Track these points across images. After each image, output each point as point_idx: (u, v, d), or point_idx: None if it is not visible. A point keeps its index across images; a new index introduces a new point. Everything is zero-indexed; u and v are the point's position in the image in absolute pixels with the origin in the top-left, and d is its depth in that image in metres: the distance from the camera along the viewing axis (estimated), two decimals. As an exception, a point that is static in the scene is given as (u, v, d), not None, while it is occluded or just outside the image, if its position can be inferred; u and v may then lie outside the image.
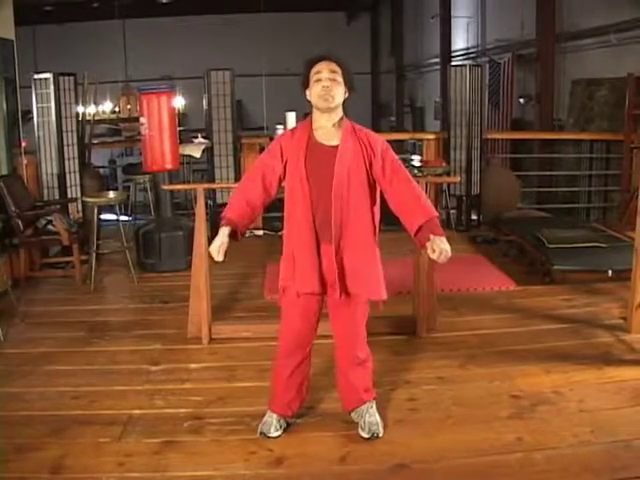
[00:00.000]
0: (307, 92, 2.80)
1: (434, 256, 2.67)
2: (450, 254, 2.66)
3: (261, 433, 2.97)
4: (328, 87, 2.71)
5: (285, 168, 2.80)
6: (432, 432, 3.01)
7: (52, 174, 6.02)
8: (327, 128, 2.78)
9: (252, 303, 4.89)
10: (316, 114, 2.79)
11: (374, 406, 3.03)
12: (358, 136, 2.78)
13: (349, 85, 2.79)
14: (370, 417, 2.98)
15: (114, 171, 14.47)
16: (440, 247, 2.66)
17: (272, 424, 2.98)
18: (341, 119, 2.80)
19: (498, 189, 7.28)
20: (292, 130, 2.90)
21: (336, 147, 2.74)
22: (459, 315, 4.56)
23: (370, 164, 2.76)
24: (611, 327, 4.23)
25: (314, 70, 2.76)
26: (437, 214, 2.79)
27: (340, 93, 2.74)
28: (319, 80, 2.73)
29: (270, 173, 2.81)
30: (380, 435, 2.95)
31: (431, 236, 2.69)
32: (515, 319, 4.47)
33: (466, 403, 3.29)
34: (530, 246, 5.59)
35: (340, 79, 2.74)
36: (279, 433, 2.98)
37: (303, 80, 2.80)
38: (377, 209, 2.86)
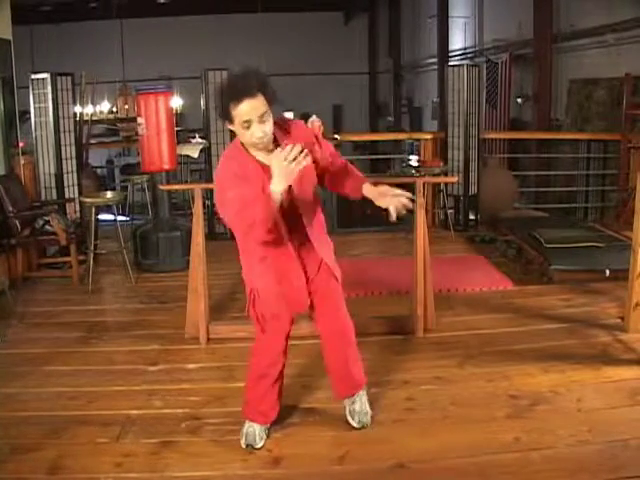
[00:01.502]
0: (230, 126, 2.54)
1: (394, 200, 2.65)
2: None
3: (248, 445, 2.92)
4: (264, 135, 2.49)
5: None
6: (430, 432, 3.01)
7: (50, 174, 6.01)
8: (265, 149, 2.59)
9: (250, 303, 4.88)
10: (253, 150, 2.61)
11: (365, 393, 3.07)
12: (293, 136, 2.62)
13: (273, 101, 2.53)
14: (361, 406, 3.02)
15: (112, 171, 14.48)
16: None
17: (256, 434, 2.93)
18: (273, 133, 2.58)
19: (496, 189, 7.29)
20: (232, 164, 2.60)
21: None
22: (457, 315, 4.55)
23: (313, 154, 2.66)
24: (609, 327, 4.23)
25: (239, 112, 2.45)
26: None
27: (271, 124, 2.52)
28: (249, 127, 2.48)
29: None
30: (369, 424, 2.99)
31: (385, 188, 2.69)
32: (513, 319, 4.47)
33: (464, 403, 3.29)
34: (528, 246, 5.60)
35: (268, 111, 2.48)
36: (264, 442, 2.95)
37: (224, 114, 2.50)
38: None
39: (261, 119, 2.47)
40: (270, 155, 2.51)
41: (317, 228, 2.81)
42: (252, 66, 2.56)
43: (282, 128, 2.66)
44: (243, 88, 2.45)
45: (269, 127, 2.51)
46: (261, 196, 2.43)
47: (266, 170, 2.53)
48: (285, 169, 2.37)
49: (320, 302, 2.90)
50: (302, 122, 2.81)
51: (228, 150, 2.72)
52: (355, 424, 3.01)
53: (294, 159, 2.36)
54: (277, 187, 2.40)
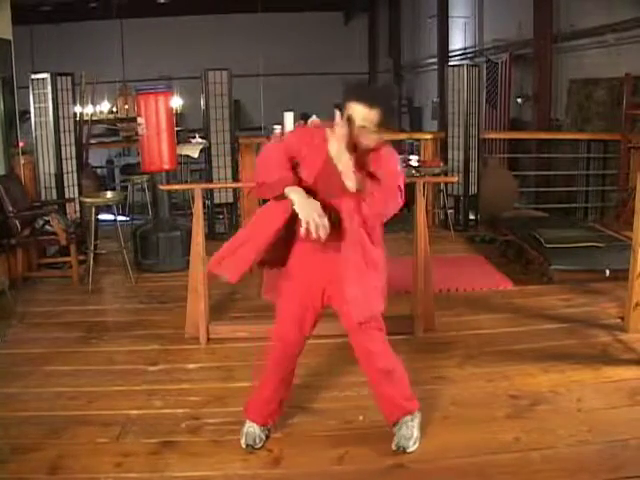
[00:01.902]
0: (338, 112, 2.62)
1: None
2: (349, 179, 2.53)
3: (247, 445, 2.89)
4: (341, 135, 2.56)
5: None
6: (430, 432, 3.00)
7: (50, 174, 6.01)
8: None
9: (249, 303, 4.89)
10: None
11: (415, 419, 2.88)
12: (375, 165, 2.63)
13: (381, 125, 2.60)
14: (406, 430, 2.85)
15: (112, 171, 14.48)
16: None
17: (256, 435, 2.92)
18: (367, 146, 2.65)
19: (496, 189, 7.29)
20: (308, 131, 2.79)
21: None
22: (457, 315, 4.56)
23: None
24: (609, 327, 4.24)
25: (351, 107, 2.57)
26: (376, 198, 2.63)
27: (366, 139, 2.60)
28: (347, 122, 2.56)
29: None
30: (408, 450, 2.83)
31: None
32: (513, 319, 4.47)
33: (464, 403, 3.29)
34: (528, 246, 5.59)
35: (370, 126, 2.57)
36: (263, 443, 2.93)
37: (344, 98, 2.61)
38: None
39: (358, 128, 2.57)
40: (337, 149, 2.55)
41: (354, 250, 2.67)
42: (395, 88, 2.67)
43: (375, 155, 2.65)
44: (371, 97, 2.57)
45: (359, 138, 2.58)
46: (287, 169, 2.62)
47: (326, 157, 2.58)
48: (308, 216, 2.55)
49: (339, 315, 2.85)
50: (391, 158, 2.68)
51: (320, 122, 2.81)
52: (393, 446, 2.85)
53: (317, 222, 2.54)
54: (292, 195, 2.58)
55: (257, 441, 2.91)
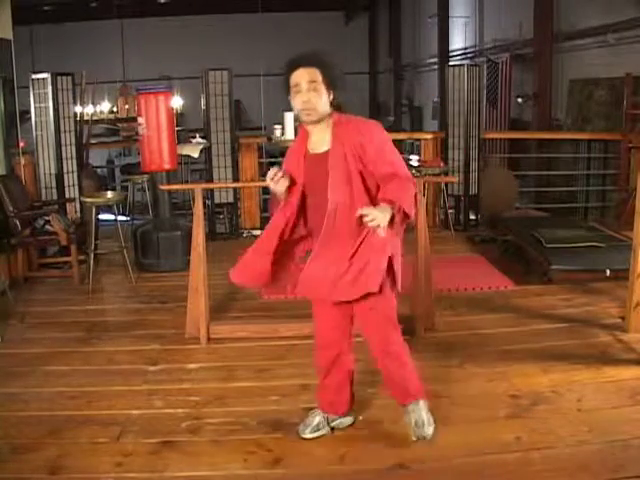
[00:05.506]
0: (290, 99, 2.65)
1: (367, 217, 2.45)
2: (381, 222, 2.42)
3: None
4: (307, 101, 2.57)
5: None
6: (430, 432, 3.01)
7: (50, 174, 6.02)
8: (318, 135, 2.66)
9: (250, 303, 4.89)
10: (305, 125, 2.69)
11: (419, 405, 2.86)
12: (349, 133, 2.59)
13: (333, 85, 2.61)
14: (416, 416, 2.84)
15: (112, 171, 14.49)
16: (372, 211, 2.45)
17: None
18: (331, 120, 2.64)
19: (496, 189, 7.29)
20: (293, 143, 2.82)
21: (327, 153, 2.62)
22: (457, 315, 4.56)
23: (362, 158, 2.59)
24: (609, 326, 4.23)
25: (292, 80, 2.59)
26: (400, 206, 2.50)
27: (322, 102, 2.58)
28: (298, 92, 2.57)
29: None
30: (427, 437, 2.82)
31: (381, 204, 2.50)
32: (513, 319, 4.47)
33: (464, 403, 3.29)
34: (528, 246, 5.59)
35: (321, 86, 2.57)
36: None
37: (285, 85, 2.64)
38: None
39: (310, 86, 2.56)
40: (318, 141, 2.65)
41: (331, 239, 2.63)
42: (324, 51, 2.68)
43: (345, 123, 2.63)
44: (300, 58, 2.61)
45: (316, 99, 2.57)
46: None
47: (311, 159, 2.65)
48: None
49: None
50: (365, 122, 2.67)
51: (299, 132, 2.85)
52: (413, 437, 2.85)
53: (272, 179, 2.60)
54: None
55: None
